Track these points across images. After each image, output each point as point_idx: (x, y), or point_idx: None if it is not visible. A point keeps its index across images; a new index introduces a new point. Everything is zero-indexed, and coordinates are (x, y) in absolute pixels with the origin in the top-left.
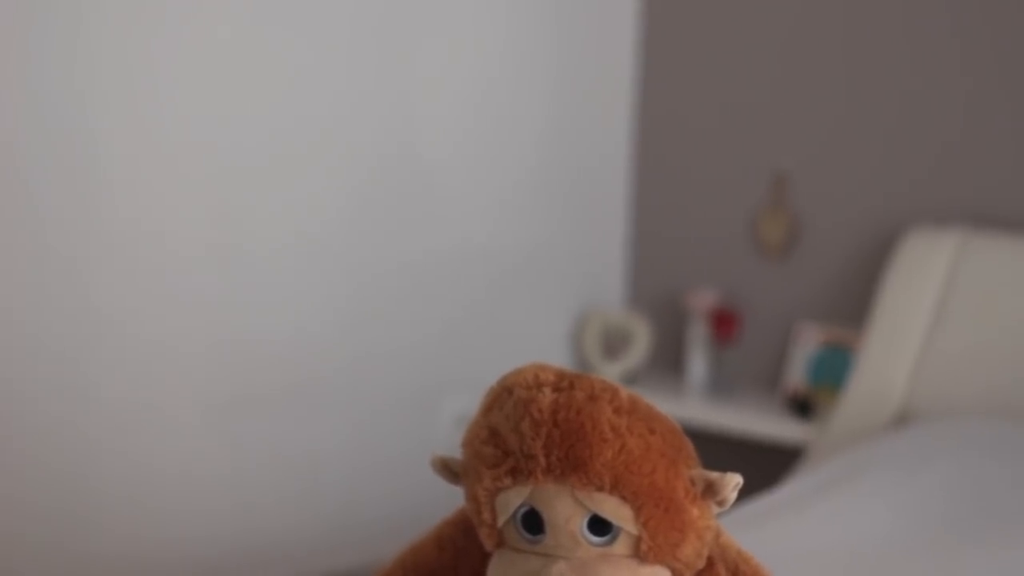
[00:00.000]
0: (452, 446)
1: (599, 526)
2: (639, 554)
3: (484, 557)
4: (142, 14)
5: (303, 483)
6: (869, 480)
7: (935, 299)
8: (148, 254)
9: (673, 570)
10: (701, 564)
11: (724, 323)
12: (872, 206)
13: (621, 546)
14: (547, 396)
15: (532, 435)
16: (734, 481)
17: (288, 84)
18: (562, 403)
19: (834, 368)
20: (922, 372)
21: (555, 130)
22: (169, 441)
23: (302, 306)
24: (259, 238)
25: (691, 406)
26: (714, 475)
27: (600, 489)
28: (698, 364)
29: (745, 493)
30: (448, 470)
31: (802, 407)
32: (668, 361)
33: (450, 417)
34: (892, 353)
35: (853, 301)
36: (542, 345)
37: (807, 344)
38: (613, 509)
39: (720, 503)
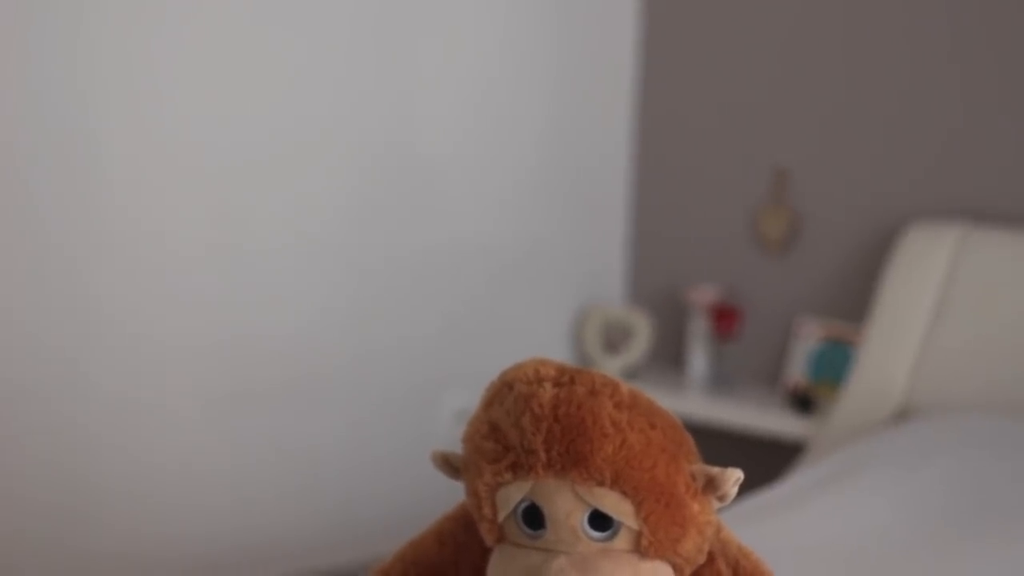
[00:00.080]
0: (452, 441)
1: (600, 521)
2: (640, 549)
3: (485, 552)
4: (142, 14)
5: (303, 479)
6: (869, 475)
7: (935, 294)
8: (148, 252)
9: (674, 565)
10: (702, 559)
11: (725, 318)
12: (872, 202)
13: (622, 541)
14: (548, 391)
15: (533, 430)
16: (735, 476)
17: (288, 83)
18: (563, 398)
19: (834, 363)
20: (922, 367)
21: (555, 128)
22: (169, 438)
23: (302, 303)
24: (259, 236)
25: (692, 401)
26: (715, 470)
27: (601, 484)
28: (699, 359)
29: (746, 488)
30: (449, 465)
31: (803, 402)
32: (669, 356)
33: (450, 412)
34: (892, 348)
35: (853, 297)
36: (543, 340)
37: (807, 339)
38: (614, 504)
39: (721, 498)
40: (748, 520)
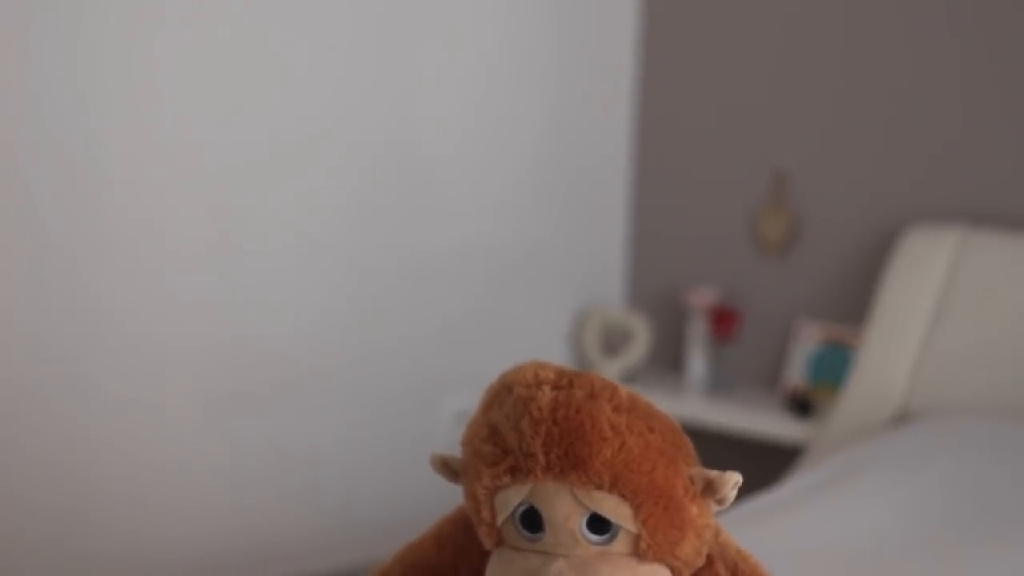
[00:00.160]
0: (452, 443)
1: (598, 524)
2: (638, 552)
3: (483, 555)
4: (142, 14)
5: (303, 480)
6: (869, 478)
7: (935, 297)
8: (148, 252)
9: (672, 568)
10: (700, 562)
11: (724, 321)
12: (872, 204)
13: (620, 544)
14: (547, 394)
15: (531, 433)
16: (733, 479)
17: (288, 83)
18: (561, 401)
19: (834, 366)
20: (922, 370)
21: (555, 129)
22: (169, 438)
23: (302, 303)
24: (259, 236)
25: (690, 404)
26: (713, 473)
27: (599, 487)
28: (698, 362)
29: (744, 491)
30: (447, 468)
31: (802, 405)
32: (668, 359)
33: (450, 414)
34: (892, 351)
35: (853, 299)
36: (542, 343)
37: (807, 342)
38: (612, 507)
39: (719, 501)
40: (747, 523)
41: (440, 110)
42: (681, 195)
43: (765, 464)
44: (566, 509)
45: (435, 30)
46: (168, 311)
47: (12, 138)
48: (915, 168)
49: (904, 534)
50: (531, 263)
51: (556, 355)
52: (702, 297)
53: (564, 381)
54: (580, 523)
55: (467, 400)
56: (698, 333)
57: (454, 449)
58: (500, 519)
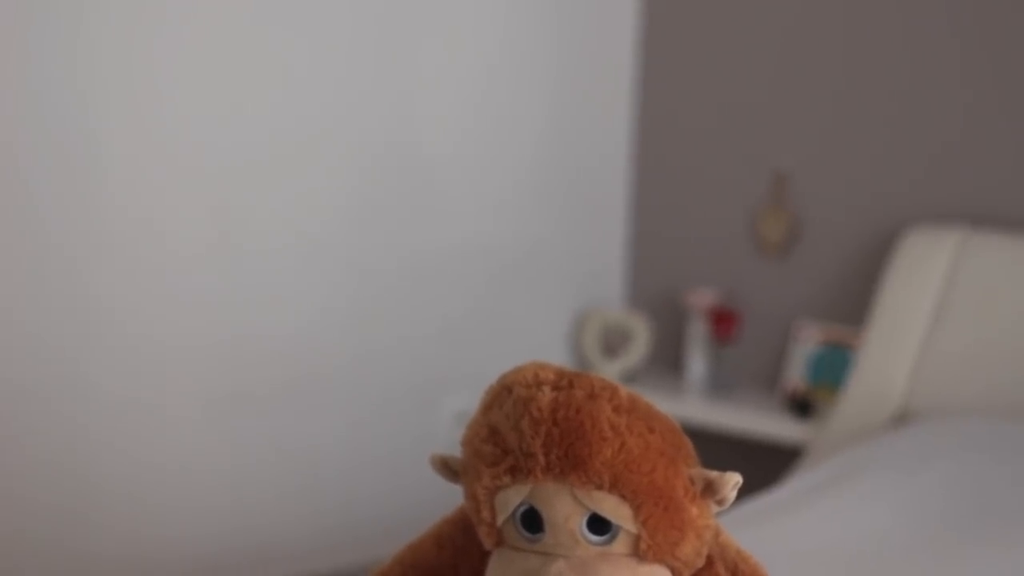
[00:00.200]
0: (452, 443)
1: (598, 525)
2: (638, 553)
3: (483, 556)
4: (142, 14)
5: (303, 480)
6: (869, 479)
7: (935, 298)
8: (148, 252)
9: (672, 569)
10: (700, 563)
11: (724, 322)
12: (872, 205)
13: (620, 545)
14: (547, 395)
15: (531, 433)
16: (733, 480)
17: (288, 83)
18: (561, 402)
19: (834, 367)
20: (922, 371)
21: (555, 129)
22: (169, 438)
23: (302, 303)
24: (259, 236)
25: (690, 405)
26: (713, 474)
27: (599, 488)
28: (697, 363)
29: (744, 492)
30: (447, 468)
31: (802, 406)
32: (667, 360)
33: (450, 414)
34: (892, 352)
35: (853, 300)
36: (542, 343)
37: (807, 343)
38: (612, 508)
39: (719, 502)
40: (747, 524)
41: (440, 110)
42: (681, 195)
43: (765, 465)
44: (566, 509)
45: (435, 30)
46: (168, 311)
47: (12, 138)
48: (915, 168)
49: (904, 534)
50: (531, 263)
51: (556, 355)
52: (702, 298)
53: (564, 382)
54: (580, 523)
55: (467, 400)
56: (698, 334)
57: (454, 449)
58: (500, 519)
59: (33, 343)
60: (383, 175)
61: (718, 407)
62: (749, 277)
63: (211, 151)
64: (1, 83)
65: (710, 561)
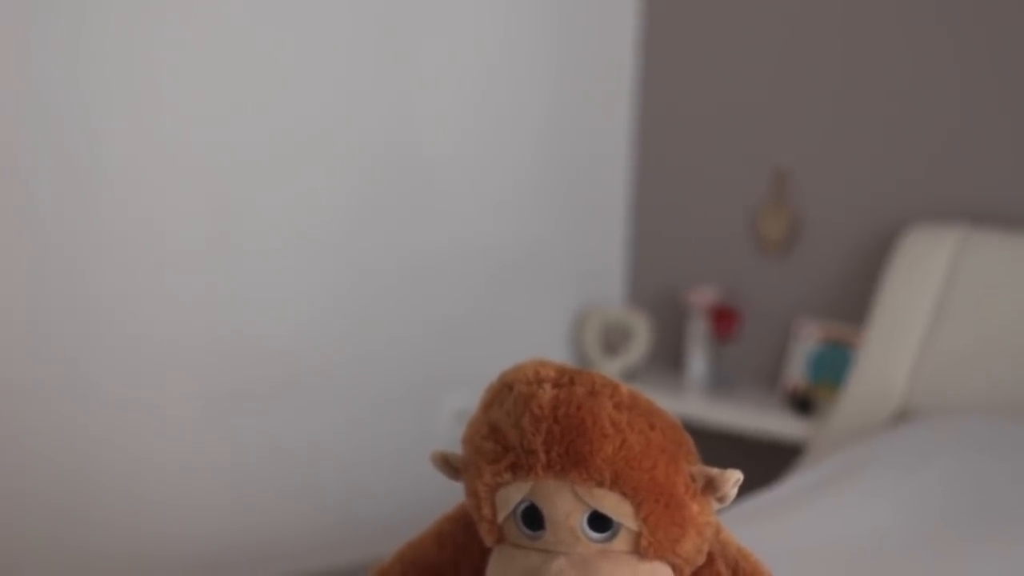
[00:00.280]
0: (453, 441)
1: (599, 522)
2: (639, 550)
3: (484, 553)
4: (143, 14)
5: (303, 478)
6: (869, 477)
7: (935, 296)
8: (148, 252)
9: (673, 566)
10: (701, 560)
11: (724, 320)
12: (872, 203)
13: (621, 542)
14: (547, 392)
15: (532, 431)
16: (734, 477)
17: (288, 83)
18: (562, 399)
19: (834, 365)
20: (922, 369)
21: (555, 128)
22: (169, 436)
23: (302, 303)
24: (260, 236)
25: (691, 402)
26: (714, 471)
27: (600, 485)
28: (698, 361)
29: (745, 489)
30: (448, 466)
31: (802, 404)
32: (668, 357)
33: (450, 412)
34: (892, 350)
35: (853, 298)
36: (542, 341)
37: (807, 341)
38: (613, 505)
39: (720, 499)
40: (747, 521)
41: (440, 110)
42: (681, 194)
43: (766, 462)
44: (567, 506)
45: (435, 30)
46: (168, 310)
47: (12, 138)
48: (915, 167)
49: (904, 532)
50: (531, 263)
51: (556, 354)
52: (702, 296)
53: (565, 379)
54: (581, 520)
55: (467, 399)
56: (698, 331)
57: (455, 447)
58: (501, 516)
59: (33, 343)
60: (383, 175)
61: (719, 405)
62: (749, 275)
63: (211, 151)
64: (2, 83)
65: (711, 558)
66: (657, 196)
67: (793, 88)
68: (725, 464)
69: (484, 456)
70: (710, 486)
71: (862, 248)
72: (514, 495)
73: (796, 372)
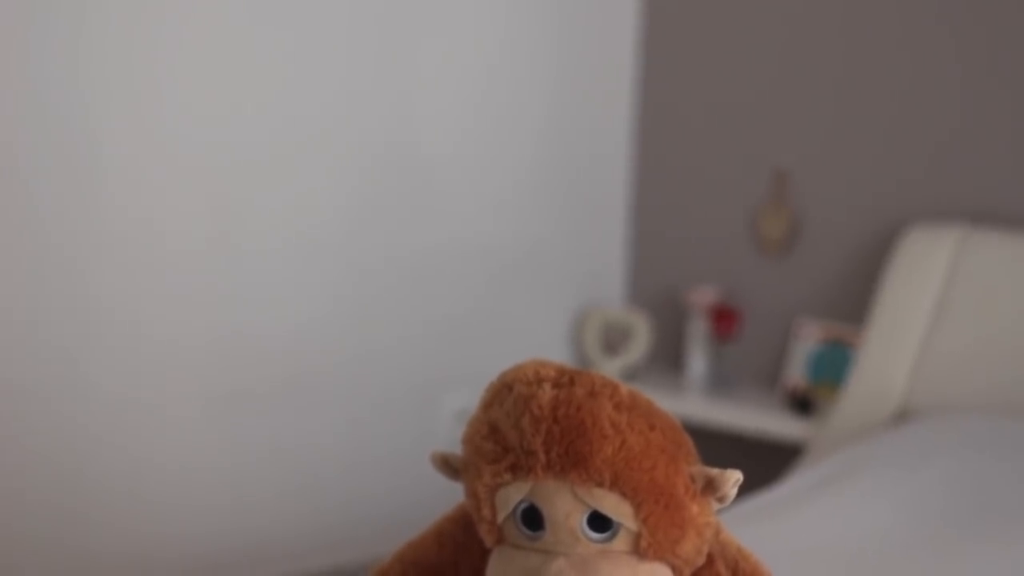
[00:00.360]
0: (452, 441)
1: (599, 522)
2: (639, 551)
3: (484, 553)
4: (143, 14)
5: (302, 478)
6: (869, 477)
7: (935, 296)
8: (148, 252)
9: (673, 567)
10: (701, 561)
11: (724, 320)
12: (872, 203)
13: (621, 542)
14: (547, 392)
15: (532, 431)
16: (734, 478)
17: (288, 83)
18: (562, 399)
19: (834, 365)
20: (922, 369)
21: (555, 128)
22: (169, 436)
23: (301, 303)
24: (259, 236)
25: (691, 402)
26: (714, 471)
27: (600, 485)
28: (698, 361)
29: (745, 490)
30: (448, 466)
31: (802, 404)
32: (668, 357)
33: (450, 413)
34: (892, 350)
35: (853, 298)
36: (542, 341)
37: (807, 341)
38: (613, 505)
39: (720, 500)
40: (747, 522)
41: (440, 110)
42: (681, 194)
43: (765, 462)
44: (567, 507)
45: (435, 30)
46: (168, 310)
47: (12, 138)
48: (915, 166)
49: (905, 532)
50: (531, 263)
51: (556, 354)
52: (702, 296)
53: (565, 379)
54: (580, 521)
55: (467, 399)
56: (698, 331)
57: (454, 447)
58: (501, 517)
59: (33, 343)
60: (383, 175)
61: (719, 405)
62: (749, 275)
63: (211, 151)
64: (2, 83)
65: (710, 559)
66: (657, 196)
67: (793, 88)
68: (725, 464)
69: (484, 456)
70: (710, 487)
71: (862, 248)
72: (514, 495)
73: (796, 372)
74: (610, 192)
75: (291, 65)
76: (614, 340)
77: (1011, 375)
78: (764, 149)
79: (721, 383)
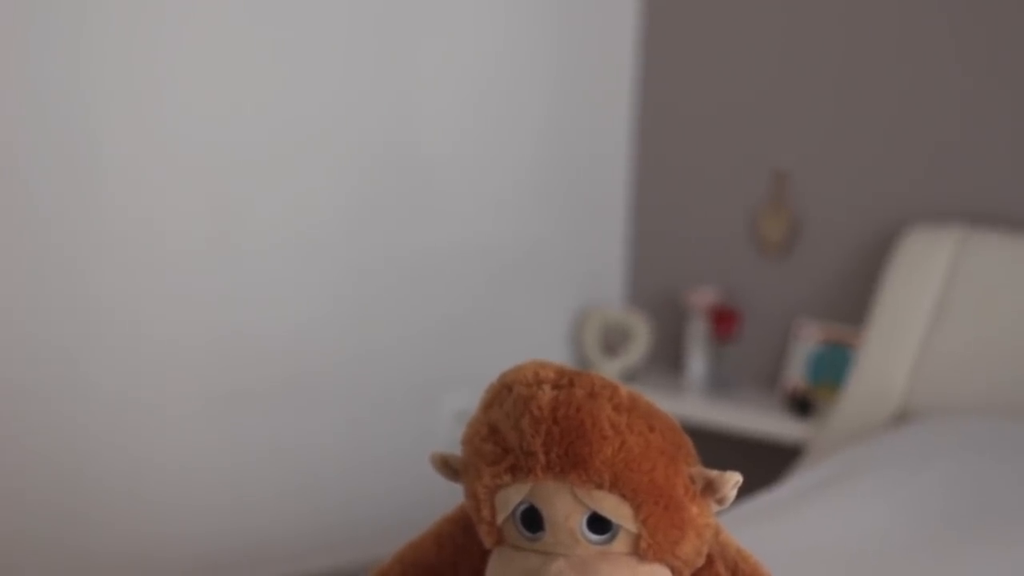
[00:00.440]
0: (452, 442)
1: (598, 524)
2: (638, 552)
3: (483, 555)
4: (143, 14)
5: (302, 478)
6: (869, 478)
7: (935, 297)
8: (148, 252)
9: (672, 568)
10: (700, 562)
11: (724, 321)
12: (872, 204)
13: (620, 544)
14: (547, 393)
15: (532, 432)
16: (734, 479)
17: (288, 83)
18: (562, 400)
19: (834, 366)
20: (922, 370)
21: (555, 128)
22: (168, 436)
23: (301, 303)
24: (259, 236)
25: (691, 404)
26: (713, 473)
27: (599, 487)
28: (698, 362)
29: (745, 491)
30: (448, 467)
31: (802, 405)
32: (668, 359)
33: (450, 413)
34: (892, 351)
35: (853, 299)
36: (542, 342)
37: (807, 342)
38: (612, 507)
39: (720, 501)
40: (747, 523)
41: (439, 110)
42: (681, 195)
43: (765, 464)
44: (566, 508)
45: (434, 30)
46: (168, 310)
47: (12, 138)
48: (915, 167)
49: (904, 533)
50: (531, 263)
51: (556, 355)
52: (702, 297)
53: (564, 380)
54: (580, 522)
55: (467, 399)
56: (698, 332)
57: (454, 448)
58: (500, 518)
59: (33, 343)
60: (382, 175)
61: (718, 406)
62: (749, 276)
63: (211, 151)
64: (1, 83)
65: (710, 560)
66: (657, 196)
67: (793, 89)
68: (725, 466)
69: (483, 458)
70: (709, 488)
71: (862, 248)
72: (513, 497)
73: (796, 373)
74: (610, 192)
75: (291, 65)
76: (614, 341)
77: (1011, 375)
78: (764, 150)
79: (721, 384)
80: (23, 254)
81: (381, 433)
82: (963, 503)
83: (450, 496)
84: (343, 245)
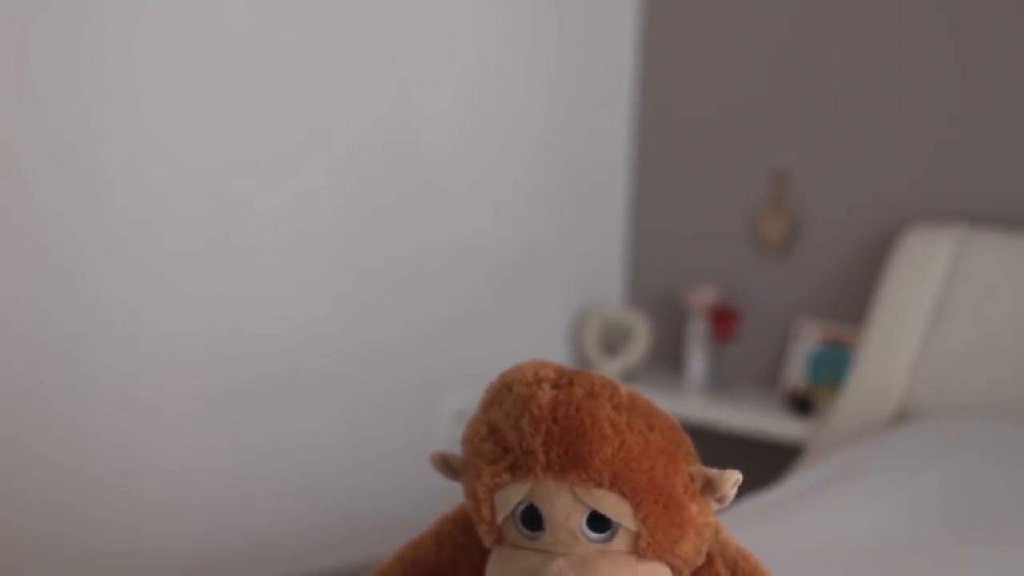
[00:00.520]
0: (452, 442)
1: (598, 523)
2: (638, 551)
3: (483, 554)
4: (143, 14)
5: (302, 478)
6: (869, 478)
7: (935, 297)
8: (148, 252)
9: (672, 567)
10: (700, 561)
11: (724, 320)
12: (872, 203)
13: (620, 543)
14: (547, 393)
15: (532, 432)
16: (733, 478)
17: (288, 83)
18: (562, 400)
19: (834, 365)
20: (922, 370)
21: (555, 128)
22: (169, 436)
23: (301, 302)
24: (259, 236)
25: (690, 403)
26: (713, 472)
27: (599, 486)
28: (697, 361)
29: (744, 490)
30: (447, 466)
31: (802, 404)
32: (668, 358)
33: (450, 413)
34: (892, 351)
35: (853, 298)
36: (542, 342)
37: (807, 341)
38: (612, 506)
39: (719, 500)
40: (747, 522)
41: (439, 110)
42: (681, 195)
43: (765, 463)
44: (566, 507)
45: (434, 30)
46: (168, 310)
47: (12, 138)
48: (915, 167)
49: (904, 533)
50: (531, 263)
51: (556, 354)
52: (702, 296)
53: (564, 380)
54: (580, 521)
55: (467, 399)
56: (698, 332)
57: (454, 448)
58: (500, 517)
59: (33, 343)
60: (382, 175)
61: (718, 405)
62: (749, 276)
63: (211, 151)
64: (1, 83)
65: (710, 559)
66: (657, 196)
67: (793, 88)
68: (724, 465)
69: (483, 457)
70: (709, 487)
71: (862, 248)
72: (513, 496)
73: (796, 372)
74: (610, 192)
75: (291, 65)
76: (614, 340)
77: (1011, 375)
78: (763, 149)
79: (721, 383)
80: (23, 254)
81: (381, 433)
82: (963, 503)
83: (450, 496)
84: (343, 245)
